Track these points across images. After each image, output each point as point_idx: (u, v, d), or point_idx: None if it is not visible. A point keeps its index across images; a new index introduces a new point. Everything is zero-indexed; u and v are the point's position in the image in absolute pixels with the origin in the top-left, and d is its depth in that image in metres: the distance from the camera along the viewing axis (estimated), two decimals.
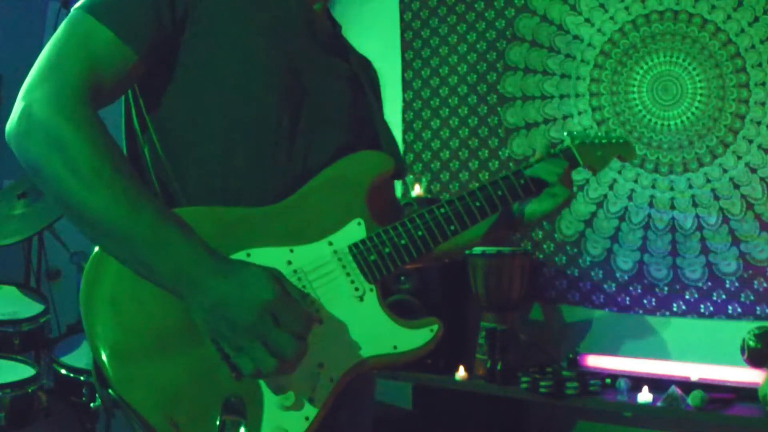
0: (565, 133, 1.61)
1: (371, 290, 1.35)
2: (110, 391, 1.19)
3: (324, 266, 1.32)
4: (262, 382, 1.23)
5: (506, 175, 1.50)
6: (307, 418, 1.25)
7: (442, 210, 1.43)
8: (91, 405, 3.03)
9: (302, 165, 1.38)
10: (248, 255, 1.27)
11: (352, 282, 1.33)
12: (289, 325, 1.17)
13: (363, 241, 1.36)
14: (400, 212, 1.64)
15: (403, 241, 1.38)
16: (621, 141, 1.67)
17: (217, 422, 1.18)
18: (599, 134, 1.63)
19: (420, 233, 1.40)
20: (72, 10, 1.29)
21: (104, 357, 1.17)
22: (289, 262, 1.30)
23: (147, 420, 1.16)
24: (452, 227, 1.43)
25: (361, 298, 1.34)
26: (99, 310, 1.20)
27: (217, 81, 1.32)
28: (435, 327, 1.38)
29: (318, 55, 1.45)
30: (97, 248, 1.24)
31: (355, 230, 1.36)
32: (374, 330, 1.33)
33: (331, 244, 1.34)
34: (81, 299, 1.21)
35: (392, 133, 1.56)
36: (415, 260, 1.41)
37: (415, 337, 1.36)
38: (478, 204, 1.45)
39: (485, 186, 1.47)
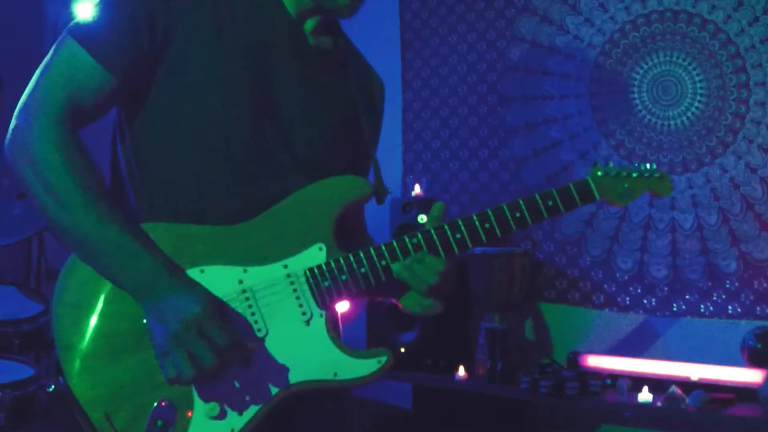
0: (593, 163, 1.50)
1: (321, 315, 1.36)
2: (61, 379, 1.31)
3: (274, 288, 1.35)
4: (194, 391, 1.30)
5: (500, 207, 1.43)
6: (232, 430, 1.31)
7: (414, 240, 1.40)
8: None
9: (272, 186, 1.40)
10: (202, 271, 1.33)
11: (301, 306, 1.36)
12: (212, 339, 1.25)
13: (320, 266, 1.37)
14: (366, 238, 1.64)
15: (363, 270, 1.38)
16: (656, 175, 1.52)
17: (147, 421, 1.26)
18: (630, 167, 1.51)
19: (384, 263, 1.39)
20: (65, 31, 1.37)
21: (61, 351, 1.31)
22: (240, 281, 1.35)
23: (85, 412, 1.28)
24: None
25: (308, 323, 1.36)
26: (63, 311, 1.33)
27: (186, 102, 1.36)
28: (384, 359, 1.37)
29: (301, 75, 1.45)
30: (70, 256, 1.35)
31: (315, 255, 1.38)
32: (316, 355, 1.35)
33: (286, 267, 1.36)
34: (53, 300, 1.34)
35: (376, 159, 1.55)
36: (373, 289, 1.40)
37: (359, 367, 1.37)
38: (458, 236, 1.40)
39: (471, 217, 1.42)
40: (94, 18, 1.36)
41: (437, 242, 1.40)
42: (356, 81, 1.53)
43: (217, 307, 1.29)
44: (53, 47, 1.36)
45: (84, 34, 1.34)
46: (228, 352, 1.26)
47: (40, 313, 3.40)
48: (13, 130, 1.32)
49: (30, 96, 1.33)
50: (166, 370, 1.26)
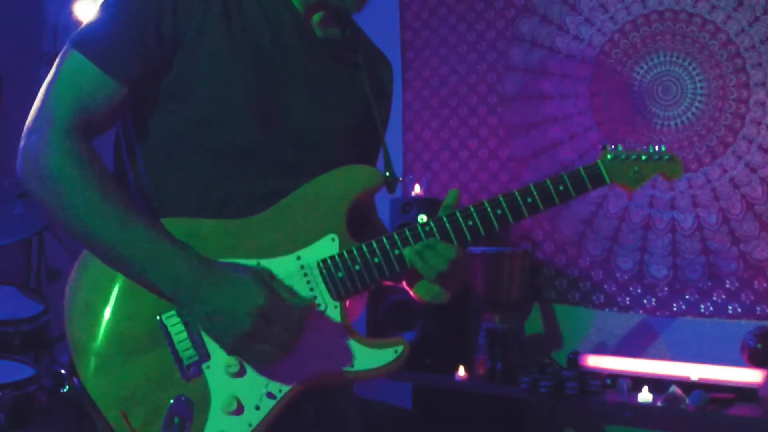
0: (600, 145, 1.48)
1: (335, 307, 1.36)
2: (76, 380, 1.30)
3: (287, 280, 1.34)
4: (210, 387, 1.30)
5: (512, 193, 1.41)
6: (250, 425, 1.30)
7: (427, 228, 1.39)
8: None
9: (283, 182, 1.38)
10: None
11: (315, 298, 1.35)
12: (282, 323, 1.25)
13: (333, 258, 1.36)
14: (379, 225, 1.63)
15: (376, 260, 1.37)
16: (666, 158, 1.49)
17: (164, 419, 1.27)
18: (640, 149, 1.49)
19: (397, 252, 1.38)
20: (67, 42, 1.34)
21: (75, 353, 1.30)
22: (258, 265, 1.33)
23: (101, 411, 1.27)
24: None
25: (323, 315, 1.35)
26: (75, 312, 1.31)
27: (196, 102, 1.35)
28: (400, 348, 1.37)
29: (310, 70, 1.44)
30: (81, 255, 1.34)
31: (327, 246, 1.37)
32: (332, 346, 1.34)
33: (299, 258, 1.35)
34: (65, 300, 1.32)
35: (386, 149, 1.54)
36: (387, 279, 1.39)
37: (376, 357, 1.36)
38: (470, 223, 1.39)
39: (482, 203, 1.40)
40: (98, 26, 1.33)
41: (449, 229, 1.39)
42: (366, 68, 1.52)
43: (276, 287, 1.28)
44: (57, 60, 1.33)
45: (89, 44, 1.31)
46: (302, 324, 1.28)
47: (40, 313, 3.40)
48: (24, 150, 1.30)
49: (38, 113, 1.30)
50: (252, 362, 1.28)
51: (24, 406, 3.09)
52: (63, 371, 3.26)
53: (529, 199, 1.40)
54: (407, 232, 1.38)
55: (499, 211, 1.40)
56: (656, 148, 1.50)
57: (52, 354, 3.42)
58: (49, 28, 4.44)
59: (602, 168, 1.45)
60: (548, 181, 1.42)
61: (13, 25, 4.35)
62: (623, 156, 1.47)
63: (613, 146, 1.47)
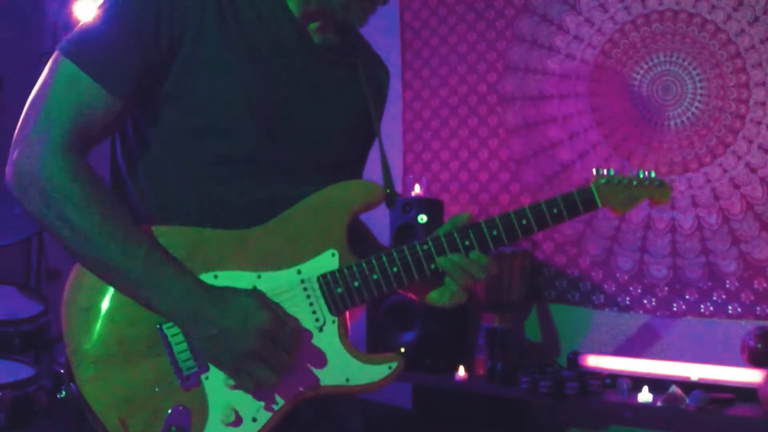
0: (594, 170, 1.50)
1: (333, 322, 1.37)
2: (73, 385, 1.29)
3: (287, 294, 1.35)
4: (208, 397, 1.30)
5: (507, 214, 1.43)
6: None
7: (425, 247, 1.40)
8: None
9: (285, 188, 1.39)
10: (215, 277, 1.32)
11: (314, 312, 1.36)
12: (284, 343, 1.28)
13: (333, 273, 1.37)
14: (366, 231, 1.64)
15: (375, 276, 1.39)
16: (656, 183, 1.52)
17: (162, 428, 1.27)
18: (631, 174, 1.51)
19: (395, 269, 1.39)
20: (57, 48, 1.30)
21: (73, 357, 1.29)
22: (255, 287, 1.34)
23: (99, 417, 1.27)
24: (432, 266, 1.41)
25: (321, 329, 1.36)
26: (74, 316, 1.30)
27: (195, 107, 1.34)
28: (394, 364, 1.40)
29: (309, 75, 1.43)
30: None
31: (328, 261, 1.38)
32: (329, 361, 1.36)
33: (299, 272, 1.36)
34: (64, 303, 1.31)
35: (385, 157, 1.55)
36: (384, 294, 1.41)
37: (371, 372, 1.39)
38: (467, 243, 1.41)
39: (479, 224, 1.42)
40: (94, 33, 1.29)
41: (447, 250, 1.41)
42: (365, 73, 1.53)
43: (274, 308, 1.29)
44: (48, 68, 1.29)
45: (84, 56, 1.28)
46: (298, 344, 1.30)
47: (40, 313, 3.40)
48: (19, 162, 1.25)
49: (32, 125, 1.26)
50: (245, 383, 1.28)
51: (24, 406, 3.09)
52: (62, 371, 3.26)
53: (524, 221, 1.43)
54: (406, 251, 1.40)
55: (495, 233, 1.42)
56: (646, 173, 1.52)
57: (52, 354, 3.42)
58: (49, 28, 4.44)
59: (595, 193, 1.47)
60: (543, 204, 1.44)
61: (13, 25, 4.35)
62: (615, 181, 1.49)
63: (605, 171, 1.49)
